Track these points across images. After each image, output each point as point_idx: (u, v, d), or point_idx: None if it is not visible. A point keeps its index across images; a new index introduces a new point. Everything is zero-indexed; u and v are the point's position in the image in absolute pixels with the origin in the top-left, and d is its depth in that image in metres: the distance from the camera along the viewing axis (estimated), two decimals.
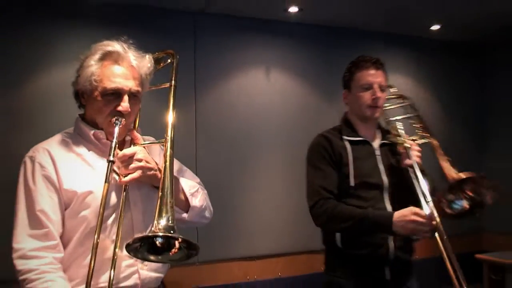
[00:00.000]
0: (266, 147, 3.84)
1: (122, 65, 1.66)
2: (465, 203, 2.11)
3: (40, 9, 3.19)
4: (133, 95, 1.66)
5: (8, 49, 3.10)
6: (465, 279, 2.04)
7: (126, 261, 1.62)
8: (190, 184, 1.77)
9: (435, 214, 2.02)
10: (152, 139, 1.87)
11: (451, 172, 2.08)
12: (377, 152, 2.28)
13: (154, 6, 3.50)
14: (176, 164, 1.90)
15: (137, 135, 1.73)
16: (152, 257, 1.45)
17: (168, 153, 1.56)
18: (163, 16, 3.54)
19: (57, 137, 1.71)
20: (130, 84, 1.65)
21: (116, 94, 1.63)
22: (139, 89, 1.69)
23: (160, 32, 3.50)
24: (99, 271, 1.57)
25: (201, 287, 3.56)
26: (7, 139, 3.08)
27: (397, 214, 2.04)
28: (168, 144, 1.58)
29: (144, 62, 1.72)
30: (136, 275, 1.65)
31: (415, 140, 2.30)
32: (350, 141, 2.27)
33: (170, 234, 1.38)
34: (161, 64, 1.91)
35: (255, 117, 3.81)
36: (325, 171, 2.21)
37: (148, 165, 1.63)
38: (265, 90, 3.87)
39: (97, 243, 1.49)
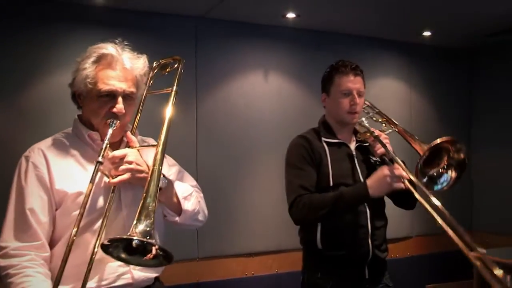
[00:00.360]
0: (264, 147, 3.91)
1: (116, 68, 1.67)
2: (450, 174, 2.12)
3: (44, 13, 3.24)
4: (127, 96, 1.68)
5: (14, 51, 3.15)
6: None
7: (117, 261, 1.58)
8: (184, 188, 1.77)
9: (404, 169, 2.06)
10: (152, 140, 1.90)
11: (424, 147, 2.09)
12: (354, 153, 2.32)
13: (156, 11, 3.56)
14: (176, 166, 1.93)
15: (131, 137, 1.72)
16: (124, 256, 1.43)
17: (158, 157, 1.53)
18: (165, 21, 3.61)
19: (54, 137, 1.73)
20: (124, 86, 1.66)
21: (111, 96, 1.65)
22: (134, 90, 1.70)
23: (162, 36, 3.57)
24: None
25: (201, 282, 3.63)
26: (13, 139, 3.12)
27: (369, 180, 2.10)
28: (160, 148, 1.56)
29: (139, 63, 1.73)
30: (128, 275, 1.66)
31: (383, 131, 2.36)
32: (328, 143, 2.31)
33: (145, 240, 1.36)
34: (167, 70, 1.93)
35: (254, 118, 3.88)
36: (306, 170, 2.24)
37: (138, 167, 1.62)
38: (264, 93, 3.94)
39: (73, 240, 1.51)
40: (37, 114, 3.19)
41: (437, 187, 2.13)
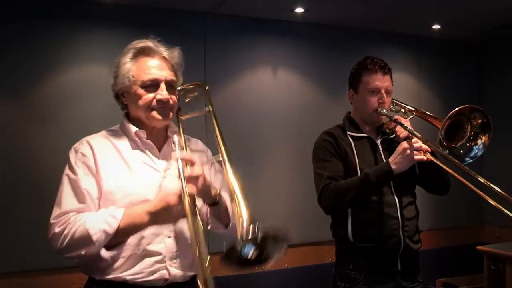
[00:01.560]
0: (273, 142, 3.91)
1: (155, 58, 1.75)
2: (481, 141, 2.18)
3: (55, 11, 3.28)
4: (170, 85, 1.75)
5: (26, 49, 3.20)
6: None
7: (154, 257, 1.67)
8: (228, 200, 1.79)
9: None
10: (199, 143, 1.96)
11: (443, 120, 2.15)
12: (380, 147, 2.34)
13: (165, 7, 3.58)
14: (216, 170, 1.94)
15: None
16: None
17: (230, 177, 1.53)
18: (174, 17, 3.63)
19: (102, 133, 1.80)
20: (166, 74, 1.74)
21: (154, 86, 1.72)
22: (174, 78, 1.78)
23: (171, 32, 3.52)
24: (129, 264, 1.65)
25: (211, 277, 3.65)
26: (25, 133, 3.18)
27: (391, 157, 2.14)
28: (228, 166, 1.58)
29: (175, 53, 1.81)
30: (164, 271, 1.68)
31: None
32: (353, 137, 2.33)
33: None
34: (191, 95, 1.96)
35: (263, 113, 3.89)
36: (331, 161, 2.26)
37: (208, 185, 1.66)
38: (272, 88, 3.94)
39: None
40: (48, 109, 3.24)
41: (471, 159, 2.19)
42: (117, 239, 1.61)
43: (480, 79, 4.89)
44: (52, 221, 1.63)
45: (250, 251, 1.31)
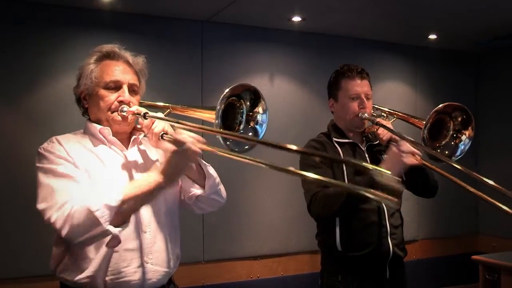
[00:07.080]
0: (269, 149, 3.91)
1: (118, 61, 1.76)
2: (465, 136, 2.18)
3: (51, 17, 3.28)
4: (132, 89, 1.75)
5: (22, 55, 3.20)
6: None
7: (130, 254, 1.65)
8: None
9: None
10: None
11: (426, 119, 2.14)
12: (366, 153, 2.32)
13: (163, 15, 3.59)
14: None
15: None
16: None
17: None
18: (172, 25, 3.64)
19: (66, 135, 1.76)
20: (129, 77, 1.75)
21: (117, 88, 1.72)
22: (137, 83, 1.78)
23: (168, 40, 3.61)
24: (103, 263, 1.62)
25: (206, 285, 3.64)
26: (20, 140, 3.16)
27: (381, 164, 2.11)
28: None
29: (139, 60, 1.81)
30: (140, 269, 1.66)
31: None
32: (339, 143, 2.32)
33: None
34: None
35: None
36: (321, 168, 2.22)
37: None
38: (269, 96, 3.84)
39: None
40: (43, 116, 3.23)
41: (460, 154, 2.20)
42: (123, 215, 1.54)
43: (476, 89, 4.91)
44: (44, 207, 1.56)
45: None
